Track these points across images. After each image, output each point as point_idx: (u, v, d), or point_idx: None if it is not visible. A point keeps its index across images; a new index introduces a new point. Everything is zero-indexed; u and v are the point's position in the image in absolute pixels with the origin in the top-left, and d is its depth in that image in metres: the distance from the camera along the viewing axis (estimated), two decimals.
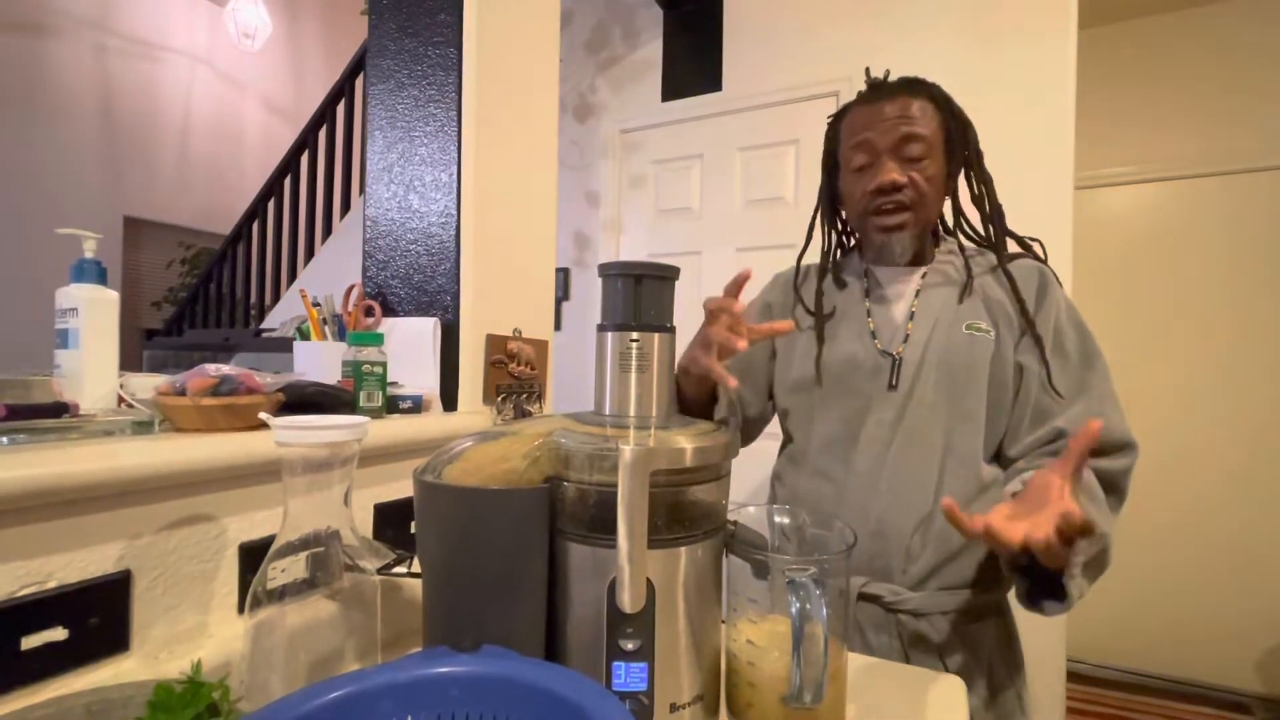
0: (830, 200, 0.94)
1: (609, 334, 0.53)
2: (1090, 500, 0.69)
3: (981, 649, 0.79)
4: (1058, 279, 0.84)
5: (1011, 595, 0.84)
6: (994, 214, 0.86)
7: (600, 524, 0.47)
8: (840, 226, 0.97)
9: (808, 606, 0.46)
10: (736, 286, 0.64)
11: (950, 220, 0.90)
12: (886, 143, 0.81)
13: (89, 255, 0.68)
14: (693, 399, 0.76)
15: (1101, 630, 2.48)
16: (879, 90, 0.85)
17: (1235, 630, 2.33)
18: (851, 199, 0.87)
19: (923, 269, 0.87)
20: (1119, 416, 0.76)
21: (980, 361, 0.79)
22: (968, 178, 0.87)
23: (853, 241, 0.98)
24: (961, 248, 0.87)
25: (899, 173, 0.80)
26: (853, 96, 0.90)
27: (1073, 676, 2.17)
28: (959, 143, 0.84)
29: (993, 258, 0.86)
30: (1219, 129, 2.42)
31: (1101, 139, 2.53)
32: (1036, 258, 0.86)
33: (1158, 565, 2.45)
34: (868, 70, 0.91)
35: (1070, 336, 0.80)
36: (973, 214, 0.89)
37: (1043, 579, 0.66)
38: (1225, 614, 2.35)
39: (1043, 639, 1.70)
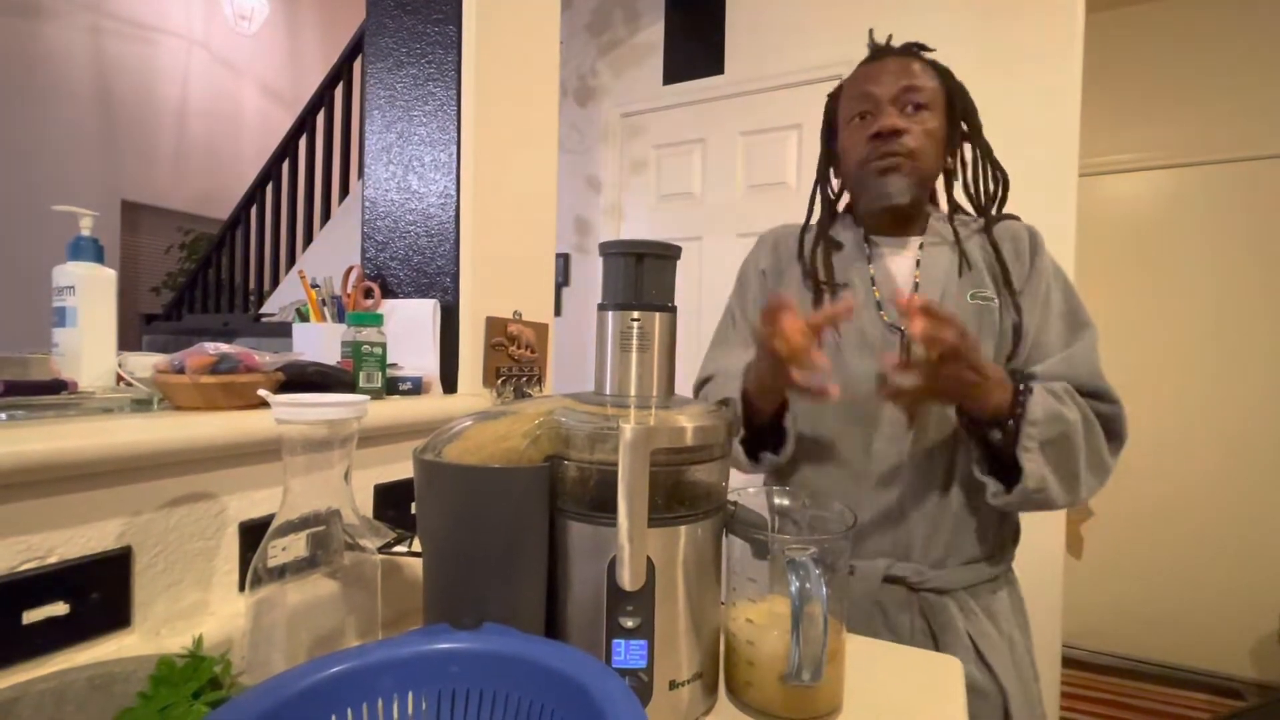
0: (825, 167, 0.93)
1: (609, 313, 0.53)
2: (1048, 393, 0.70)
3: (1001, 620, 0.80)
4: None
5: (1016, 566, 0.86)
6: (997, 179, 0.86)
7: (600, 503, 0.47)
8: (832, 195, 0.94)
9: (807, 586, 0.46)
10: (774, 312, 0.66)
11: (956, 192, 0.89)
12: (888, 92, 0.81)
13: (85, 233, 0.67)
14: (764, 423, 0.80)
15: (1097, 617, 2.50)
16: (881, 52, 0.85)
17: (1229, 617, 2.35)
18: (850, 152, 0.86)
19: (919, 238, 0.86)
20: (1094, 372, 0.75)
21: (988, 329, 0.79)
22: (968, 143, 0.86)
23: (843, 206, 0.94)
24: (950, 216, 0.87)
25: (899, 119, 0.80)
26: None
27: (1069, 662, 2.19)
28: (959, 108, 0.84)
29: (982, 221, 0.85)
30: (1225, 116, 2.40)
31: (1107, 125, 2.51)
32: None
33: (1152, 553, 2.46)
34: (871, 32, 0.89)
35: (1056, 299, 0.81)
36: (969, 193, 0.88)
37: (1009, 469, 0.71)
38: (1219, 601, 2.37)
39: (1039, 624, 1.70)
